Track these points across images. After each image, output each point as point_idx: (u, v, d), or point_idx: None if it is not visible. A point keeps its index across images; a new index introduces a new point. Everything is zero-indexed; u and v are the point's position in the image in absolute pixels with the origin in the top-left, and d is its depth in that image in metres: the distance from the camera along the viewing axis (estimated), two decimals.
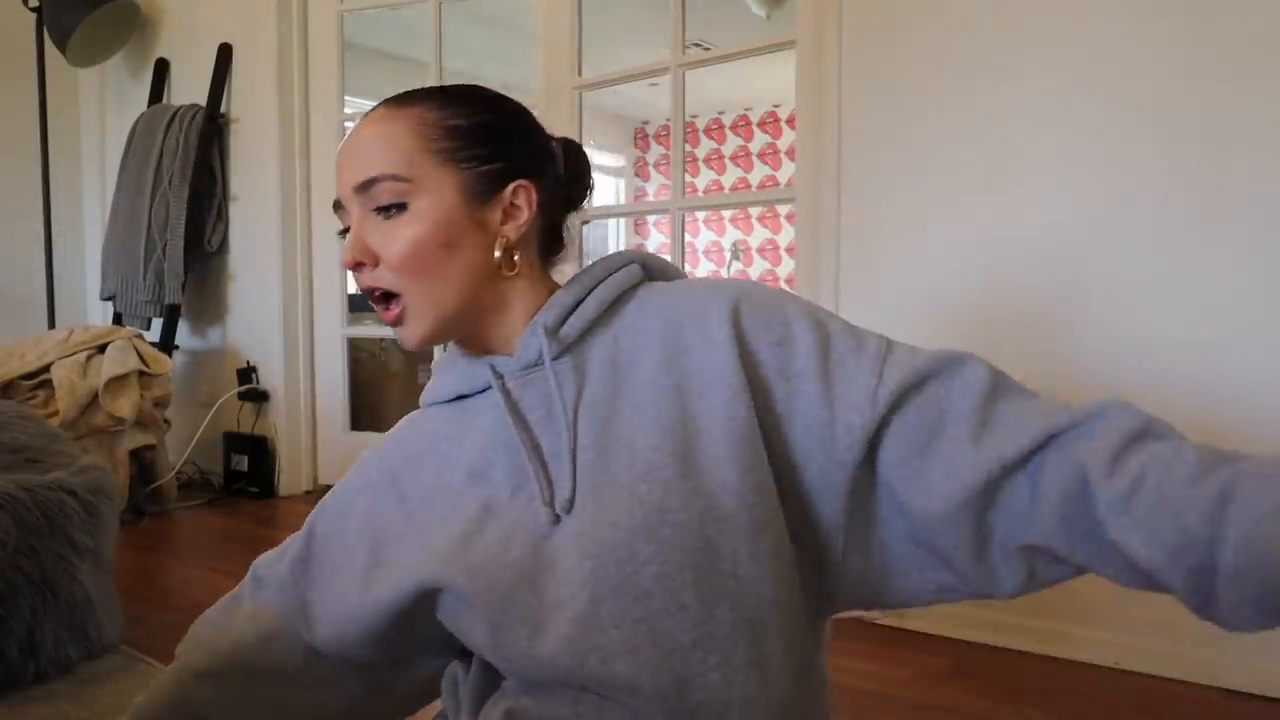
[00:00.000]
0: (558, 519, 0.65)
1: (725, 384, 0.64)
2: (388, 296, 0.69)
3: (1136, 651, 1.55)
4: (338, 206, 0.71)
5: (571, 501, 0.65)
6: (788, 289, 0.72)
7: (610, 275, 0.72)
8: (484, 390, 0.72)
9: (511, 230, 0.70)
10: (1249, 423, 1.48)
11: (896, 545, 0.65)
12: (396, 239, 0.67)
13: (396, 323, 0.69)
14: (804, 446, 0.65)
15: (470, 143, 0.69)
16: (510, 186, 0.70)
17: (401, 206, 0.67)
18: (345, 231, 0.70)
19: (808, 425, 0.64)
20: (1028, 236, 1.68)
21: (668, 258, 0.81)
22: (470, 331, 0.72)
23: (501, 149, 0.70)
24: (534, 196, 0.71)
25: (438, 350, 2.93)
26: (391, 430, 0.80)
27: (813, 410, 0.64)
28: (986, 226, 1.73)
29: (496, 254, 0.69)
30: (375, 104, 0.72)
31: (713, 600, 0.61)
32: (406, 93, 0.71)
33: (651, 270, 0.76)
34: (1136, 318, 1.58)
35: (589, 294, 0.71)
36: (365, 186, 0.67)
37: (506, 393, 0.70)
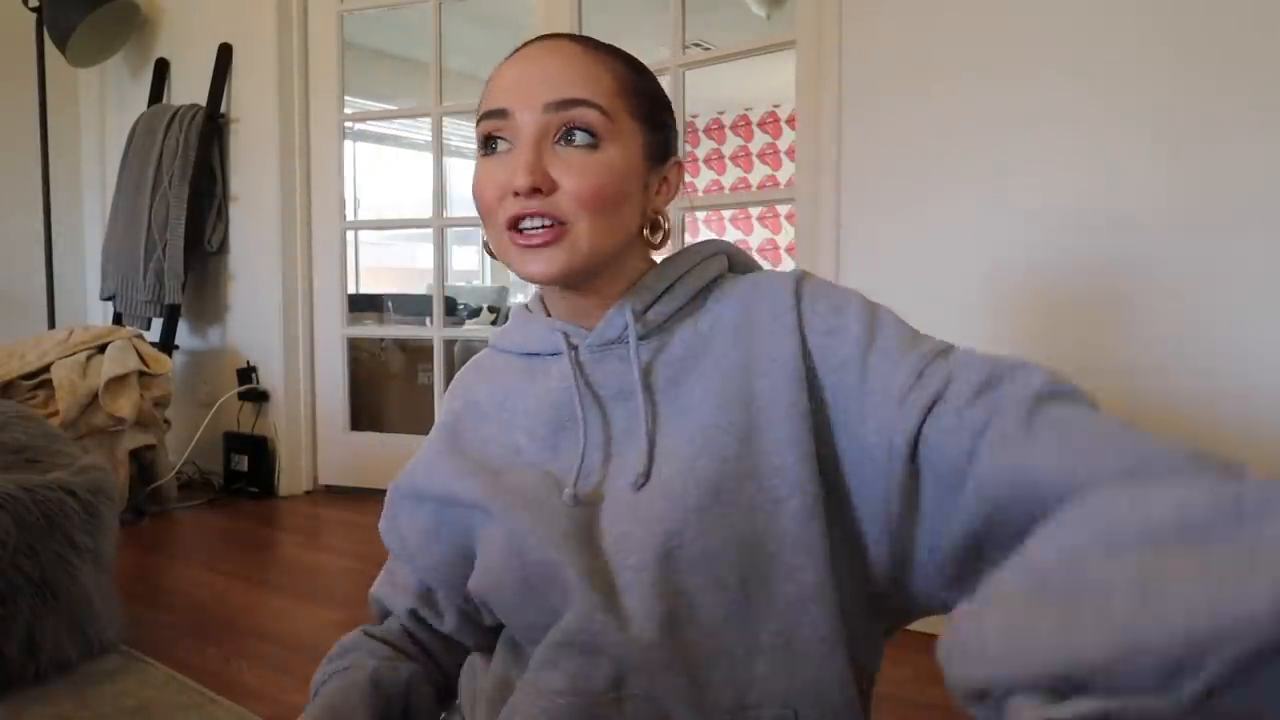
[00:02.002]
0: (643, 483, 0.64)
1: (789, 366, 0.64)
2: (547, 227, 0.64)
3: None
4: (495, 116, 0.65)
5: (647, 474, 0.64)
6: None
7: (699, 264, 0.72)
8: (555, 354, 0.71)
9: (662, 202, 0.72)
10: (1248, 421, 1.48)
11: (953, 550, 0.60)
12: (590, 171, 0.63)
13: (547, 243, 0.64)
14: (842, 440, 0.64)
15: (656, 109, 0.69)
16: (670, 160, 0.71)
17: (594, 142, 0.64)
18: (491, 142, 0.66)
19: (845, 418, 0.63)
20: (1028, 236, 1.68)
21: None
22: (583, 287, 0.70)
23: (669, 126, 0.71)
24: (680, 174, 0.73)
25: (437, 352, 2.93)
26: (458, 380, 0.80)
27: (849, 404, 0.63)
28: (987, 226, 1.73)
29: (647, 228, 0.71)
30: (540, 37, 0.69)
31: (754, 582, 0.61)
32: (590, 39, 0.69)
33: (735, 263, 0.77)
34: (1140, 320, 1.58)
35: (678, 280, 0.71)
36: (566, 105, 0.63)
37: (579, 365, 0.70)
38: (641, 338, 0.69)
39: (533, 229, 0.64)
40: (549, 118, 0.63)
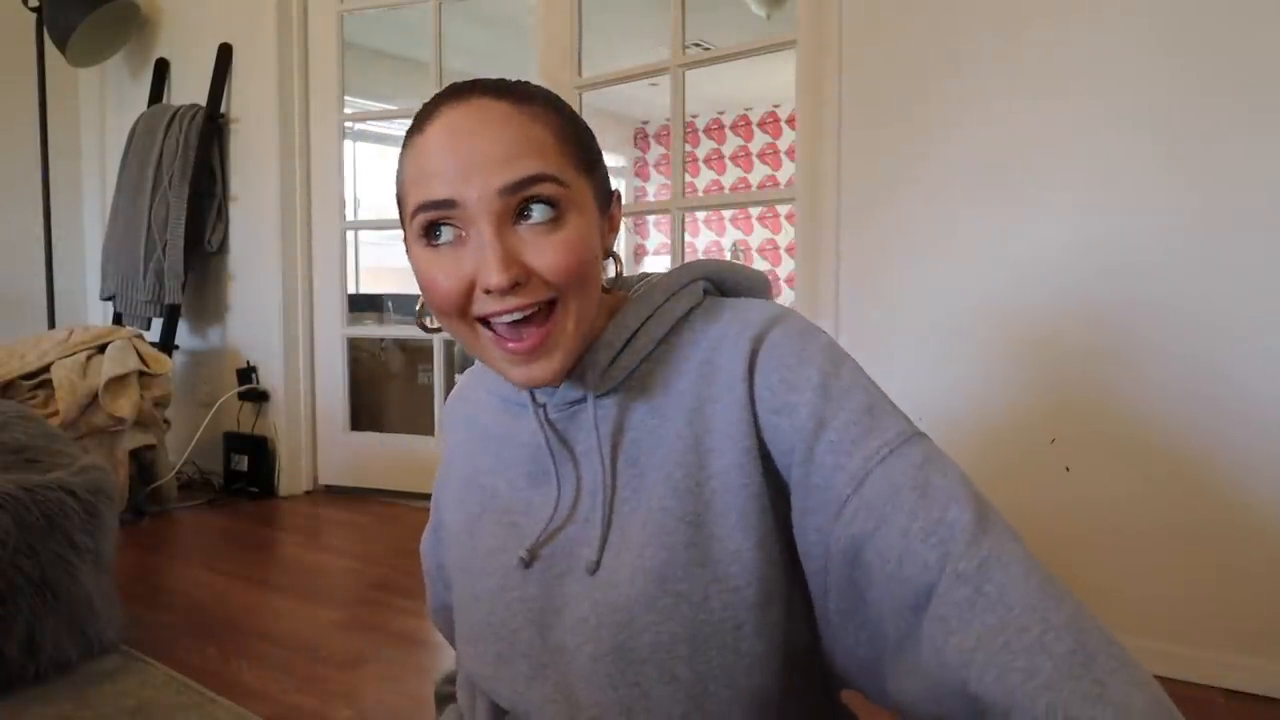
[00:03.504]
0: (594, 570, 0.62)
1: (740, 444, 0.59)
2: (528, 321, 0.59)
3: (1136, 651, 1.55)
4: (439, 207, 0.58)
5: (597, 563, 0.62)
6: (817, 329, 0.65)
7: (665, 303, 0.66)
8: (525, 406, 0.69)
9: (612, 239, 0.67)
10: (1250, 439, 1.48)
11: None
12: (560, 248, 0.58)
13: (536, 349, 0.59)
14: (795, 525, 0.60)
15: (590, 153, 0.64)
16: (613, 196, 0.67)
17: (558, 215, 0.58)
18: (435, 232, 0.60)
19: (796, 505, 0.59)
20: (1028, 236, 1.68)
21: (681, 259, 0.79)
22: None
23: (602, 160, 0.67)
24: (621, 207, 0.68)
25: (437, 352, 2.93)
26: (454, 408, 0.80)
27: (796, 492, 0.59)
28: (987, 225, 1.73)
29: (605, 269, 0.66)
30: (456, 94, 0.61)
31: (708, 674, 0.58)
32: (510, 86, 0.61)
33: (722, 283, 0.71)
34: (1140, 320, 1.58)
35: (641, 328, 0.65)
36: (521, 186, 0.57)
37: (551, 425, 0.67)
38: (606, 394, 0.65)
39: (518, 322, 0.59)
40: (504, 200, 0.57)
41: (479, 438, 0.73)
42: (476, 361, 0.74)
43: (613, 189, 0.67)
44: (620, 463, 0.64)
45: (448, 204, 0.58)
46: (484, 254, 0.57)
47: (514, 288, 0.57)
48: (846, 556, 0.56)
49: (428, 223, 0.59)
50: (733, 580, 0.58)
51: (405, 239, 0.63)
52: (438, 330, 0.66)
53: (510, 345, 0.59)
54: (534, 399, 0.67)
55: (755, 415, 0.60)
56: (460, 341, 0.63)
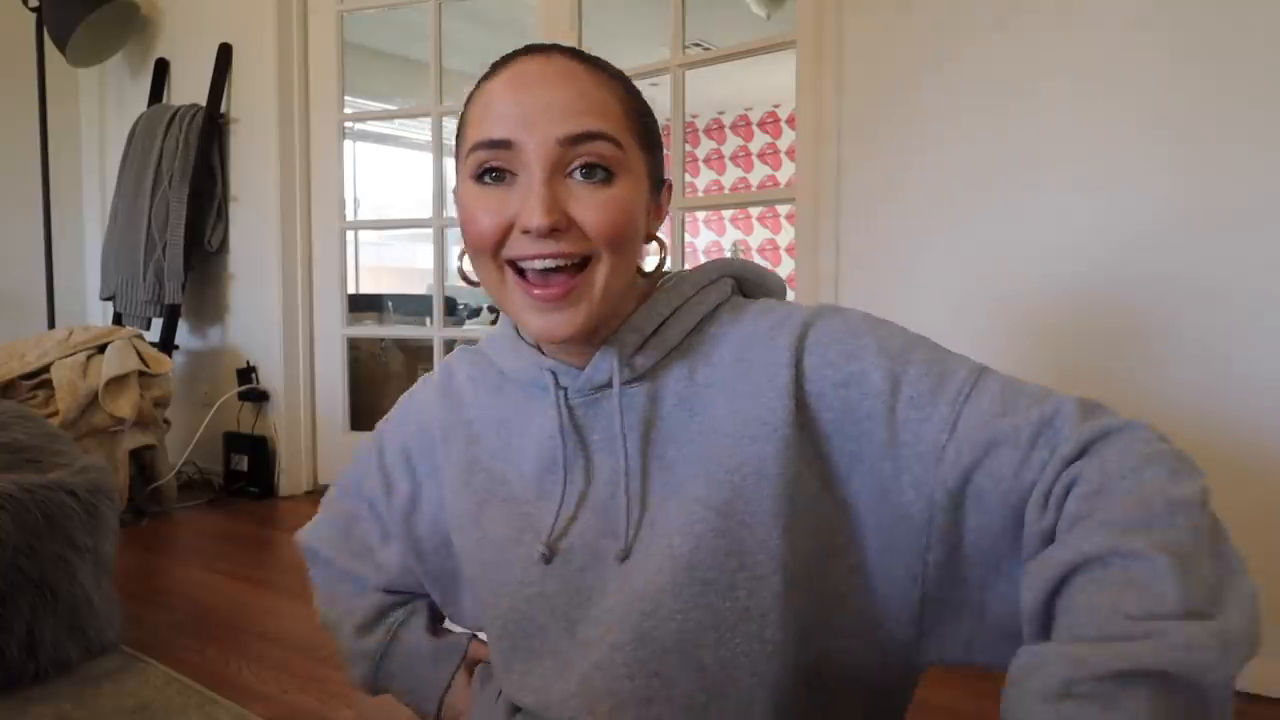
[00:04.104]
0: (626, 557, 0.61)
1: (779, 434, 0.59)
2: (558, 271, 0.59)
3: None
4: (496, 146, 0.59)
5: (627, 551, 0.61)
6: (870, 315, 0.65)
7: (695, 295, 0.67)
8: (545, 389, 0.67)
9: (657, 226, 0.67)
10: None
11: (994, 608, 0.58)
12: (609, 207, 0.59)
13: (566, 295, 0.59)
14: (866, 500, 0.59)
15: (653, 132, 0.65)
16: (665, 183, 0.68)
17: (609, 175, 0.59)
18: (488, 173, 0.60)
19: (873, 477, 0.59)
20: (1028, 235, 1.68)
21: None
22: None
23: (662, 148, 0.67)
24: (670, 197, 0.69)
25: (437, 352, 2.93)
26: (443, 388, 0.75)
27: (879, 463, 0.58)
28: (986, 225, 1.73)
29: (645, 250, 0.66)
30: (532, 50, 0.62)
31: (732, 661, 0.58)
32: (587, 55, 0.63)
33: (746, 283, 0.71)
34: (1137, 318, 1.58)
35: (671, 316, 0.65)
36: (581, 140, 0.58)
37: (569, 410, 0.65)
38: (631, 382, 0.64)
39: (548, 270, 0.59)
40: (563, 151, 0.58)
41: (481, 419, 0.71)
42: (488, 339, 0.74)
43: (668, 180, 0.68)
44: (650, 454, 0.63)
45: (504, 144, 0.59)
46: (529, 196, 0.58)
47: (553, 233, 0.58)
48: (953, 497, 0.56)
49: (481, 162, 0.60)
50: (760, 569, 0.58)
51: (457, 176, 0.64)
52: (478, 284, 0.66)
53: (536, 291, 0.59)
54: (556, 381, 0.65)
55: (804, 399, 0.60)
56: (486, 286, 0.63)
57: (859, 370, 0.59)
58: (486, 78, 0.62)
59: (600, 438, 0.65)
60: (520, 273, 0.60)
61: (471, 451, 0.71)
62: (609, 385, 0.65)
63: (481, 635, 0.77)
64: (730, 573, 0.58)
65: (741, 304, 0.68)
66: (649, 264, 0.71)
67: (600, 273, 0.60)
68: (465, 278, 0.66)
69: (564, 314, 0.60)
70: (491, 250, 0.60)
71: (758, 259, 6.85)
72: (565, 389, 0.66)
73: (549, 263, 0.59)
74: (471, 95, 0.63)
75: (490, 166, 0.60)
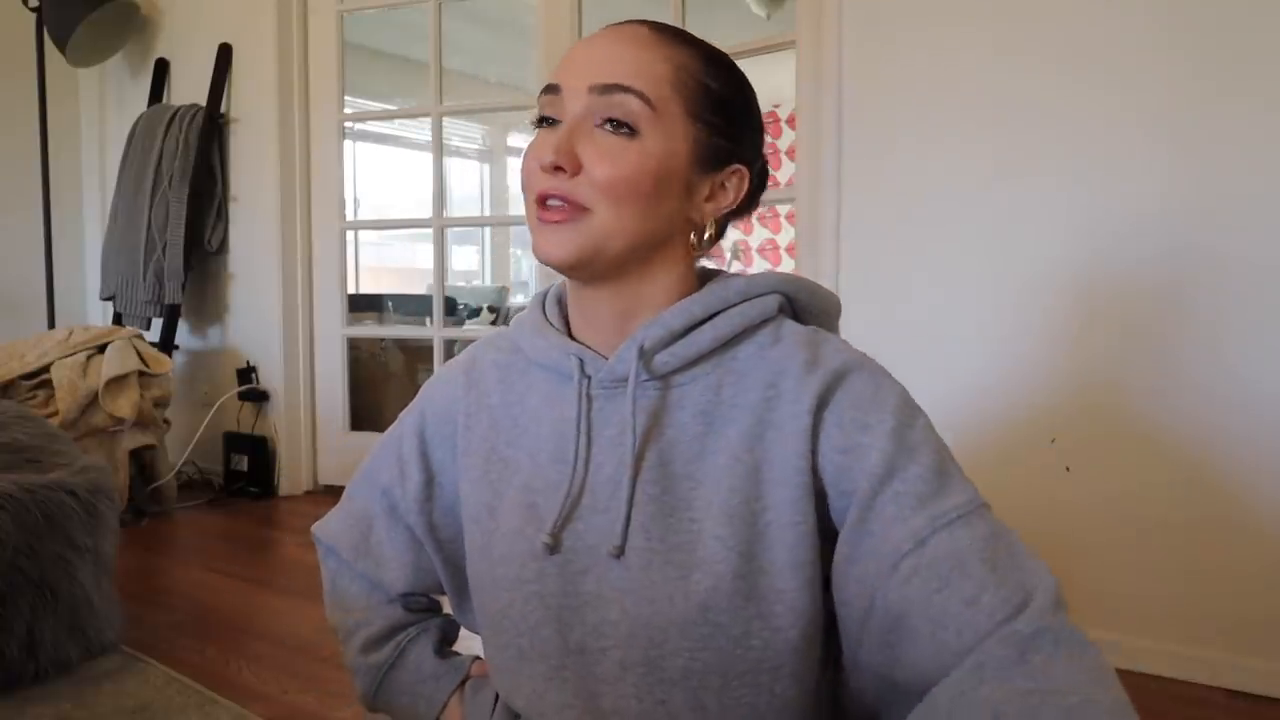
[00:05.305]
0: (619, 555, 0.60)
1: (799, 479, 0.58)
2: (562, 204, 0.61)
3: (1136, 651, 1.55)
4: (549, 91, 0.63)
5: (621, 548, 0.60)
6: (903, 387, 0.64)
7: (743, 302, 0.65)
8: (570, 377, 0.66)
9: (712, 210, 0.65)
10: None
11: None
12: (618, 159, 0.59)
13: (561, 222, 0.61)
14: (835, 572, 0.59)
15: (717, 109, 0.64)
16: (730, 168, 0.65)
17: (633, 131, 0.60)
18: (543, 121, 0.63)
19: (840, 552, 0.58)
20: (1029, 235, 1.68)
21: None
22: (605, 290, 0.65)
23: (736, 130, 0.65)
24: (744, 185, 0.66)
25: (437, 352, 2.93)
26: (465, 374, 0.75)
27: (846, 535, 0.58)
28: (987, 226, 1.72)
29: (693, 233, 0.65)
30: (624, 22, 0.65)
31: (736, 709, 0.57)
32: (670, 26, 0.65)
33: (797, 303, 0.68)
34: (1139, 318, 1.58)
35: (708, 320, 0.64)
36: (609, 90, 0.60)
37: (588, 400, 0.64)
38: (652, 379, 0.63)
39: (554, 208, 0.61)
40: (593, 100, 0.60)
41: (503, 404, 0.70)
42: (516, 322, 0.74)
43: (736, 165, 0.65)
44: (649, 457, 0.62)
45: (553, 89, 0.62)
46: (554, 136, 0.61)
47: (557, 171, 0.60)
48: (891, 614, 0.54)
49: (540, 108, 0.64)
50: (777, 620, 0.57)
51: None
52: None
53: (542, 215, 0.62)
54: (582, 367, 0.65)
55: (816, 451, 0.59)
56: (528, 221, 0.65)
57: (864, 444, 0.58)
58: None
59: (614, 433, 0.63)
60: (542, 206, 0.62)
61: (491, 440, 0.70)
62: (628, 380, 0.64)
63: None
64: (746, 620, 0.57)
65: (787, 327, 0.65)
66: (709, 263, 0.70)
67: (598, 220, 0.60)
68: None
69: (556, 236, 0.61)
70: (529, 188, 0.63)
71: (758, 259, 6.85)
72: (589, 378, 0.65)
73: (554, 201, 0.60)
74: None
75: (544, 115, 0.63)
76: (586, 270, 0.62)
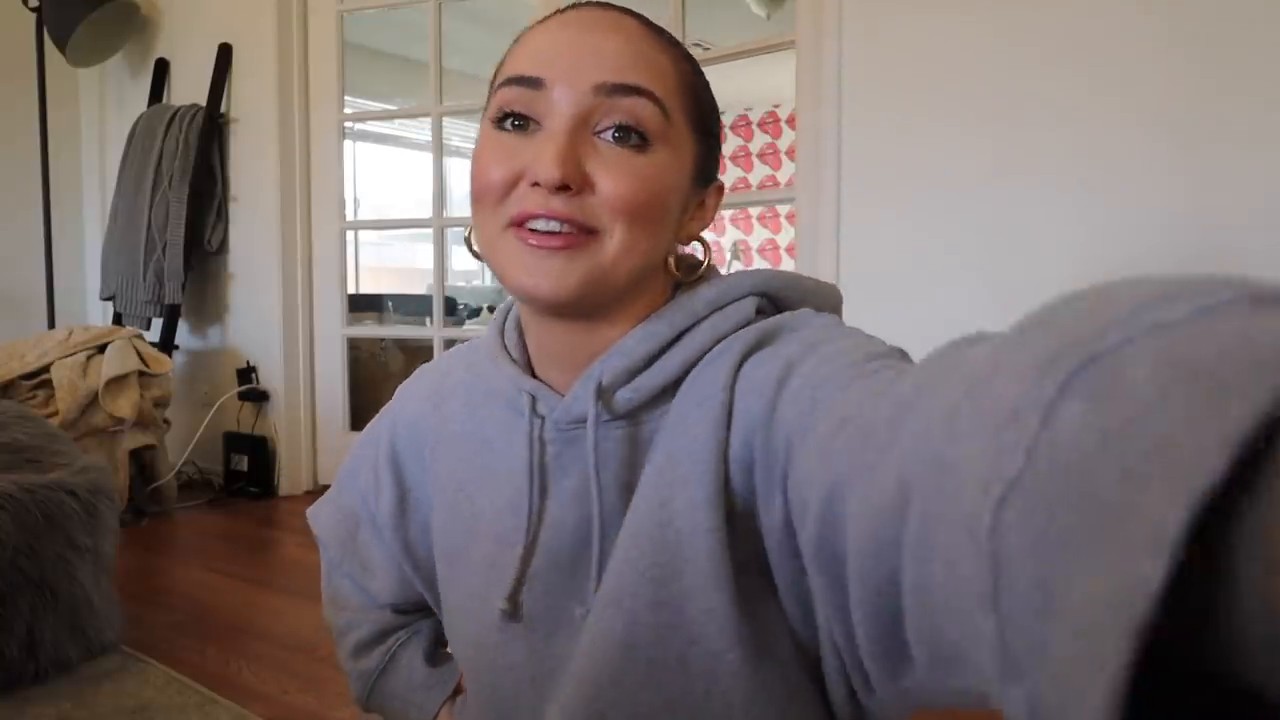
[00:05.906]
0: (587, 614, 0.53)
1: (706, 476, 0.48)
2: (565, 229, 0.50)
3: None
4: (524, 84, 0.50)
5: (588, 611, 0.53)
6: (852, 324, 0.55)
7: (713, 314, 0.54)
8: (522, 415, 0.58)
9: (695, 228, 0.57)
10: None
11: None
12: (635, 174, 0.49)
13: (560, 248, 0.49)
14: (764, 517, 0.48)
15: (710, 119, 0.56)
16: (715, 184, 0.58)
17: (645, 142, 0.50)
18: (510, 121, 0.51)
19: (762, 500, 0.47)
20: (1029, 236, 1.68)
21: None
22: (571, 321, 0.54)
23: (718, 141, 0.58)
24: (718, 202, 0.58)
25: (437, 352, 2.93)
26: (430, 393, 0.67)
27: (761, 464, 0.47)
28: (987, 225, 1.73)
29: (670, 256, 0.55)
30: (596, 3, 0.54)
31: None
32: (653, 23, 0.54)
33: (783, 301, 0.57)
34: None
35: (674, 342, 0.54)
36: (621, 91, 0.49)
37: (541, 445, 0.55)
38: (615, 420, 0.53)
39: (550, 232, 0.50)
40: (597, 102, 0.49)
41: (465, 435, 0.62)
42: (470, 345, 0.67)
43: (718, 180, 0.58)
44: (619, 512, 0.53)
45: (534, 82, 0.50)
46: (547, 144, 0.49)
47: (563, 191, 0.49)
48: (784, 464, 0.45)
49: (505, 103, 0.51)
50: (711, 643, 0.48)
51: (481, 119, 0.55)
52: (478, 257, 0.57)
53: (533, 240, 0.50)
54: (533, 407, 0.56)
55: (735, 419, 0.49)
56: (479, 236, 0.54)
57: (766, 372, 0.49)
58: (539, 21, 0.54)
59: (573, 484, 0.55)
60: (523, 228, 0.51)
61: (459, 477, 0.62)
62: (585, 421, 0.54)
63: None
64: (677, 649, 0.48)
65: (755, 327, 0.54)
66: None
67: (610, 246, 0.50)
68: (472, 251, 0.57)
69: (557, 264, 0.49)
70: (494, 202, 0.51)
71: (758, 259, 6.85)
72: (543, 418, 0.56)
73: (554, 225, 0.49)
74: (517, 37, 0.55)
75: (513, 111, 0.51)
76: (577, 307, 0.52)
